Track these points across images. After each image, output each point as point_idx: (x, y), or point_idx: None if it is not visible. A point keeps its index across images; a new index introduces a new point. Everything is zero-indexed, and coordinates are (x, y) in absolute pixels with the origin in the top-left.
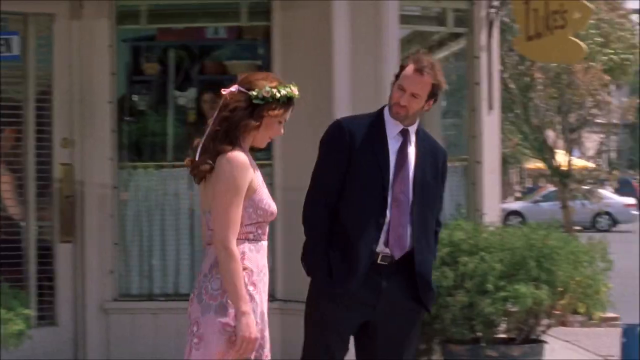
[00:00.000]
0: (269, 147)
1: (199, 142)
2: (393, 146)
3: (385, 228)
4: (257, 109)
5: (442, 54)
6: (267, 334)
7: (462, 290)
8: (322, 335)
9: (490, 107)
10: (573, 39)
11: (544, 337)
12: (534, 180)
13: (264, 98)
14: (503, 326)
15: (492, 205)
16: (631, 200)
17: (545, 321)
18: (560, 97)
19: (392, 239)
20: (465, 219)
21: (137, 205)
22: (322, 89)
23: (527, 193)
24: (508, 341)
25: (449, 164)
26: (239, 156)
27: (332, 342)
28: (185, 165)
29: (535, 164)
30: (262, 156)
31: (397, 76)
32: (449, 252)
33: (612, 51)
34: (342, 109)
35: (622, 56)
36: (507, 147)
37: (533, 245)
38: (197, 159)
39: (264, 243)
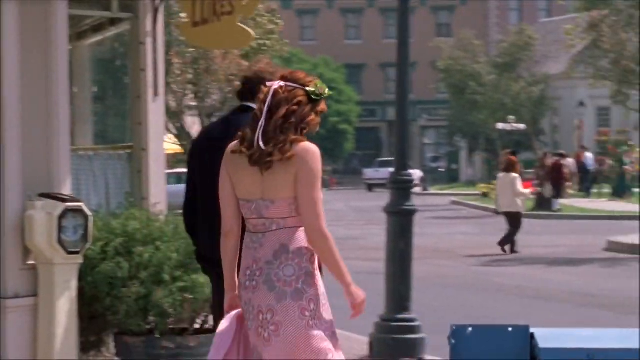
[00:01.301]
0: None
1: (251, 133)
2: None
3: None
4: (314, 104)
5: (95, 38)
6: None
7: (137, 281)
8: None
9: (156, 93)
10: (240, 25)
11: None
12: (171, 165)
13: (319, 94)
14: (179, 317)
15: (159, 193)
16: None
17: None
18: (198, 82)
19: None
20: (134, 207)
21: None
22: None
23: None
24: (182, 332)
25: (114, 152)
26: (315, 147)
27: None
28: (240, 152)
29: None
30: None
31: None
32: (123, 242)
33: None
34: (12, 99)
35: (260, 42)
36: None
37: None
38: (261, 148)
39: None
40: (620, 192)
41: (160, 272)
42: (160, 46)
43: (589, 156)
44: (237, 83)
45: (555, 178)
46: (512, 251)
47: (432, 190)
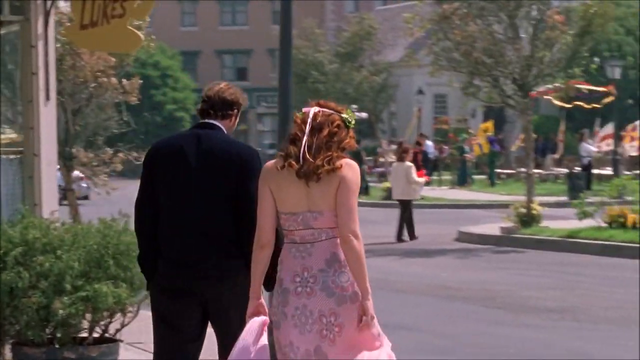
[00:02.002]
0: None
1: (296, 150)
2: None
3: None
4: (348, 130)
5: None
6: None
7: (37, 291)
8: None
9: (48, 97)
10: (131, 28)
11: (117, 336)
12: None
13: (351, 122)
14: (79, 327)
15: (50, 199)
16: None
17: (120, 319)
18: (63, 79)
19: None
20: (31, 215)
21: None
22: None
23: None
24: (83, 341)
25: (6, 157)
26: (355, 163)
27: None
28: (289, 166)
29: None
30: None
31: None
32: (22, 251)
33: None
34: None
35: None
36: None
37: (109, 243)
38: (310, 160)
39: None
40: (462, 180)
41: (61, 282)
42: (52, 49)
43: (429, 144)
44: (104, 79)
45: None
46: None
47: None
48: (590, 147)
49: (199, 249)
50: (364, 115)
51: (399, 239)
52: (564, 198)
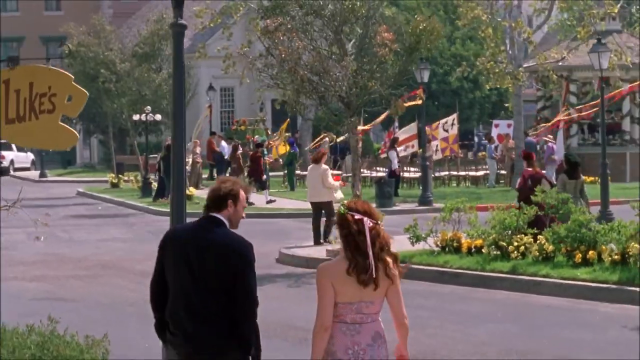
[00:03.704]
0: None
1: (363, 261)
2: None
3: None
4: None
5: None
6: None
7: None
8: None
9: None
10: (63, 124)
11: None
12: None
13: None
14: None
15: None
16: None
17: None
18: None
19: None
20: None
21: None
22: None
23: None
24: None
25: None
26: None
27: None
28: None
29: None
30: None
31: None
32: None
33: None
34: None
35: None
36: None
37: (48, 358)
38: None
39: None
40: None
41: None
42: None
43: (224, 145)
44: None
45: (253, 170)
46: (326, 240)
47: (51, 176)
48: (395, 158)
49: (197, 327)
50: (158, 117)
51: (318, 242)
52: (372, 205)
